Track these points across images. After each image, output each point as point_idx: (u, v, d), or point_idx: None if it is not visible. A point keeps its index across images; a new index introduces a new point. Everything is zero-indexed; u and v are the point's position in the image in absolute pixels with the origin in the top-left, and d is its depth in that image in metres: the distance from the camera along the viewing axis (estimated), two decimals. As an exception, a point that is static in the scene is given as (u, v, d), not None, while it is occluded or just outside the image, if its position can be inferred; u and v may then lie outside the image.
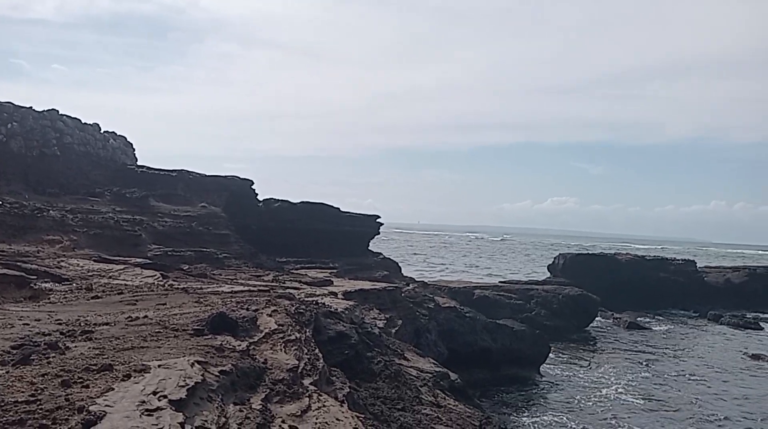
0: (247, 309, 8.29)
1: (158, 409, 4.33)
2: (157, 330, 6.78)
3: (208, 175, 26.73)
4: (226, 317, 7.04)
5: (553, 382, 22.10)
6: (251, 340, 6.68)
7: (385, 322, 15.41)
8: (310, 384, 6.11)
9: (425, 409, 8.59)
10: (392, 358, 10.82)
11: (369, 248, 30.45)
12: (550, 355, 24.37)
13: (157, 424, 4.11)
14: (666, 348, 29.74)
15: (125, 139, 28.45)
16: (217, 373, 5.37)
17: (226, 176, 27.17)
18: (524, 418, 17.94)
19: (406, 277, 28.84)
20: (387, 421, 7.10)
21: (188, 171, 26.32)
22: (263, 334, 7.13)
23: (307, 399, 5.57)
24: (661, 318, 39.30)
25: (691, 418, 18.58)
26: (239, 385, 5.49)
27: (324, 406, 5.51)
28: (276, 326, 7.55)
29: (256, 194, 27.67)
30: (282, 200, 27.70)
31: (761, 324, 38.33)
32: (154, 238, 20.29)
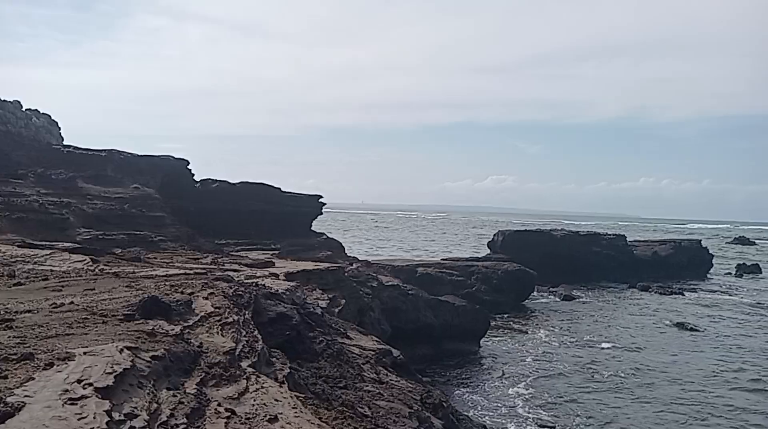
0: (182, 292, 8.03)
1: (83, 397, 4.12)
2: (83, 316, 6.47)
3: (141, 155, 25.64)
4: (159, 301, 6.79)
5: (492, 355, 22.76)
6: (186, 324, 6.48)
7: (328, 301, 15.34)
8: (248, 366, 5.99)
9: (367, 385, 8.62)
10: (335, 338, 10.77)
11: (312, 229, 30.19)
12: (490, 328, 25.05)
13: (80, 413, 3.91)
14: (599, 318, 31.16)
15: (50, 117, 26.86)
16: (149, 359, 5.17)
17: (159, 156, 26.15)
18: (465, 390, 18.42)
19: (350, 256, 28.82)
20: (329, 400, 7.06)
21: (119, 151, 25.15)
22: (199, 317, 6.94)
23: (245, 381, 5.45)
24: (594, 290, 41.08)
25: (621, 383, 19.58)
26: (173, 370, 5.31)
27: (262, 387, 5.42)
28: (212, 309, 7.36)
29: (193, 175, 26.82)
30: (220, 181, 26.97)
31: (685, 293, 40.73)
32: (83, 222, 19.35)
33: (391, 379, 9.67)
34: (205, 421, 4.58)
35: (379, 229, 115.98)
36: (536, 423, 15.72)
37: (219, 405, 4.88)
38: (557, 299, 37.15)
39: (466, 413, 12.32)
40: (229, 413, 4.74)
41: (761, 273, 55.96)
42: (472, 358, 22.34)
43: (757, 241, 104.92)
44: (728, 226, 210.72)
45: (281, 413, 4.84)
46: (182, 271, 10.94)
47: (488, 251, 46.67)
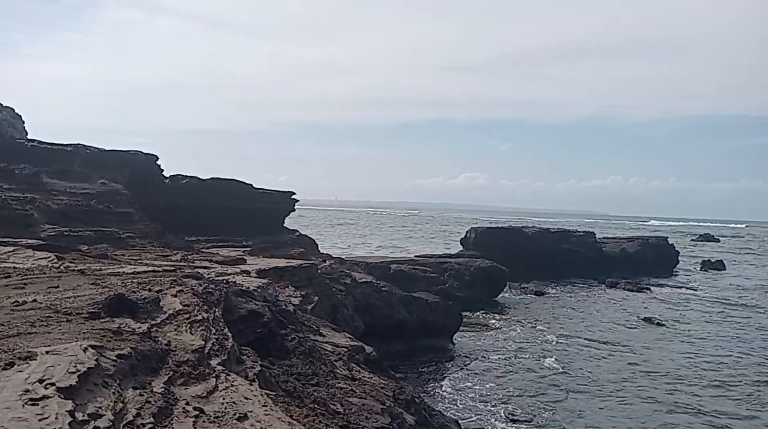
0: (150, 290, 7.87)
1: (44, 397, 4.00)
2: (47, 315, 6.29)
3: (108, 150, 25.05)
4: (125, 299, 6.64)
5: (465, 350, 22.93)
6: (153, 322, 6.35)
7: (301, 299, 15.22)
8: (218, 364, 5.89)
9: (340, 382, 8.58)
10: (307, 335, 10.70)
11: (284, 225, 29.95)
12: (463, 324, 25.22)
13: (42, 414, 3.79)
14: (569, 313, 31.64)
15: (12, 110, 26.07)
16: (114, 358, 5.04)
17: (128, 151, 25.59)
18: (438, 385, 18.51)
19: (323, 253, 28.68)
20: (300, 397, 7.00)
21: (85, 145, 24.52)
22: (167, 315, 6.80)
23: (214, 379, 5.36)
24: (564, 286, 41.71)
25: (590, 375, 19.92)
26: (139, 369, 5.19)
27: (232, 385, 5.33)
28: (181, 307, 7.22)
29: (162, 170, 26.33)
30: (190, 176, 26.53)
31: (652, 289, 41.65)
32: (48, 218, 18.83)
33: (363, 376, 9.64)
34: (172, 420, 4.49)
35: (352, 225, 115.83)
36: (507, 418, 15.89)
37: (187, 404, 4.78)
38: (528, 295, 37.62)
39: (438, 408, 12.38)
40: (198, 412, 4.65)
41: (725, 269, 57.56)
42: (445, 353, 22.45)
43: (721, 238, 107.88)
44: (694, 223, 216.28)
45: (251, 411, 4.77)
46: (150, 269, 10.73)
47: (461, 248, 46.97)
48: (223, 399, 4.99)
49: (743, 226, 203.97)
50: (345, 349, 10.95)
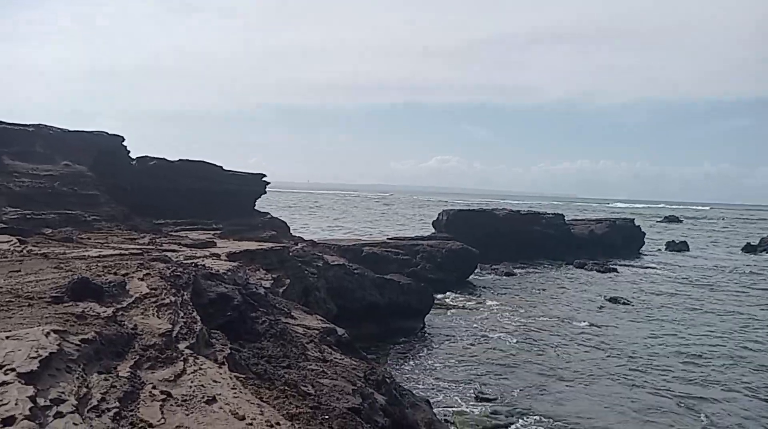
0: (115, 273, 7.73)
1: (4, 383, 3.90)
2: (7, 299, 6.12)
3: (72, 131, 24.32)
4: (90, 283, 6.50)
5: (436, 331, 23.18)
6: (119, 306, 6.23)
7: (272, 282, 15.15)
8: (186, 348, 5.83)
9: (311, 364, 8.58)
10: (278, 318, 10.66)
11: (255, 208, 29.65)
12: (434, 305, 25.48)
13: (2, 400, 3.70)
14: (538, 293, 32.21)
15: (-31, 90, 25.04)
16: (78, 342, 4.94)
17: (92, 132, 24.88)
18: (410, 366, 18.71)
19: (295, 236, 28.53)
20: (271, 379, 6.98)
21: (47, 126, 23.76)
22: (133, 299, 6.69)
23: (182, 363, 5.30)
24: (533, 267, 42.38)
25: (558, 354, 20.37)
26: (104, 354, 5.10)
27: (200, 369, 5.29)
28: (148, 290, 7.12)
29: (129, 152, 25.73)
30: (158, 158, 26.00)
31: (619, 269, 42.63)
32: (9, 201, 18.27)
33: (335, 358, 9.67)
34: (139, 404, 4.43)
35: (324, 208, 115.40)
36: (477, 396, 16.16)
37: (154, 388, 4.72)
38: (499, 276, 38.13)
39: (409, 388, 12.51)
40: (165, 396, 4.60)
41: (689, 250, 59.17)
42: (416, 334, 22.68)
43: (686, 220, 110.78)
44: (661, 205, 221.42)
45: (220, 394, 4.74)
46: (117, 252, 10.52)
47: (433, 230, 47.25)
48: (192, 382, 4.95)
49: (708, 208, 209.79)
50: (316, 332, 10.95)
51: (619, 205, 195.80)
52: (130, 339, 5.57)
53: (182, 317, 6.67)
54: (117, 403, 4.31)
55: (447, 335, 22.68)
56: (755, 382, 18.21)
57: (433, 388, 16.65)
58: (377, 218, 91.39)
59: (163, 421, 4.17)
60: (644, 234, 59.43)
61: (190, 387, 4.83)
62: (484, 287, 33.97)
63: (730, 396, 16.82)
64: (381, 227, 71.30)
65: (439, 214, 48.61)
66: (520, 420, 14.70)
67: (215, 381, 5.01)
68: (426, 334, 22.77)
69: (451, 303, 29.03)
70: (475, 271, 37.07)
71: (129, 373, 4.86)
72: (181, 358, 5.41)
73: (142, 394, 4.60)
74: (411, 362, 19.25)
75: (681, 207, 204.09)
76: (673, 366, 19.54)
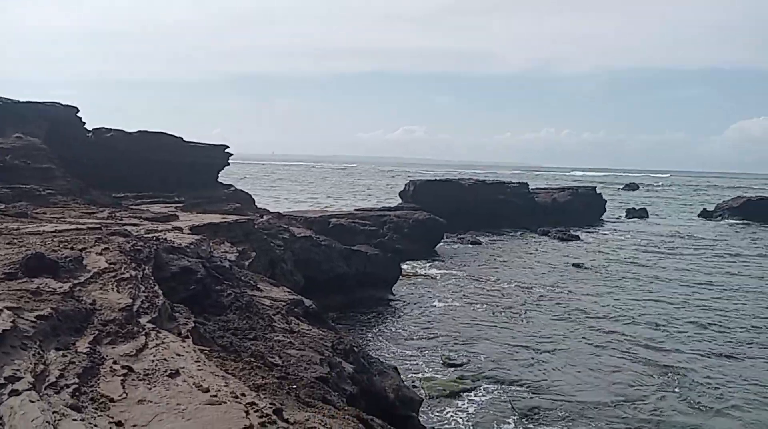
0: (72, 248, 7.49)
1: (-46, 364, 3.76)
2: (-44, 277, 5.87)
3: (23, 102, 23.27)
4: (45, 258, 6.28)
5: (404, 300, 23.42)
6: (76, 282, 6.06)
7: (238, 255, 14.99)
8: (148, 322, 5.72)
9: (278, 335, 8.57)
10: (244, 290, 10.57)
11: (218, 180, 29.13)
12: (402, 275, 25.68)
13: (-49, 381, 3.56)
14: (503, 261, 32.77)
15: None
16: (33, 319, 4.80)
17: (44, 103, 23.86)
18: (378, 334, 18.90)
19: (260, 209, 28.18)
20: (237, 351, 6.94)
21: (-4, 96, 22.69)
22: (91, 274, 6.51)
23: (144, 337, 5.20)
24: (499, 235, 43.01)
25: (524, 320, 20.85)
26: (62, 330, 4.97)
27: (163, 342, 5.20)
28: (107, 265, 6.93)
29: (84, 123, 24.80)
30: (115, 130, 25.15)
31: (581, 236, 43.63)
32: (-43, 176, 17.47)
33: (302, 328, 9.67)
34: (99, 379, 4.34)
35: (290, 180, 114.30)
36: (444, 362, 16.45)
37: (115, 363, 4.63)
38: (465, 245, 38.59)
39: (377, 356, 12.65)
40: (126, 370, 4.51)
41: (648, 216, 60.89)
42: (384, 304, 22.86)
43: (645, 187, 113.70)
44: (620, 173, 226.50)
45: (183, 367, 4.68)
46: (74, 227, 10.20)
47: (400, 201, 47.36)
48: (154, 356, 4.86)
49: (667, 175, 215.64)
50: (283, 303, 10.92)
51: (577, 173, 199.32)
52: (88, 314, 5.43)
53: (143, 291, 6.54)
54: (76, 379, 4.21)
55: (414, 304, 22.94)
56: (713, 342, 19.03)
57: (401, 356, 16.87)
58: (344, 189, 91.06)
59: (124, 395, 4.09)
60: (605, 202, 60.80)
61: (153, 361, 4.75)
62: (451, 256, 34.36)
63: (692, 357, 17.50)
64: (348, 198, 71.15)
65: (405, 185, 48.71)
66: (487, 384, 15.05)
67: (178, 354, 4.94)
68: (394, 304, 22.99)
69: (419, 272, 29.31)
70: (442, 241, 37.44)
71: (88, 349, 4.74)
72: (143, 333, 5.31)
73: (102, 369, 4.50)
74: (379, 331, 19.44)
75: (641, 175, 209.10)
76: (637, 330, 20.21)
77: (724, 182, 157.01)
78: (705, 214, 63.05)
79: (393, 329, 19.73)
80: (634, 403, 14.11)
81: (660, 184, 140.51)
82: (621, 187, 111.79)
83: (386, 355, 16.61)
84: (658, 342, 18.78)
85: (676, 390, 14.92)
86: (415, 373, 15.55)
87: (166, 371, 4.56)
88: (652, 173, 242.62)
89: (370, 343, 17.92)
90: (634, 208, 63.46)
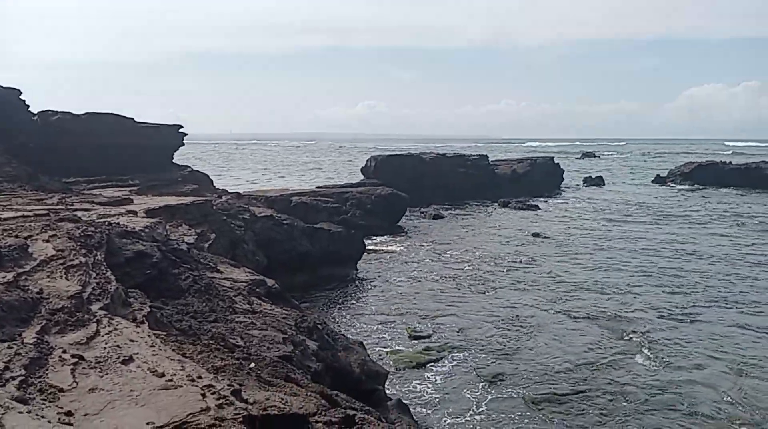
0: (17, 236, 7.17)
1: None
2: None
3: (-41, 86, 22.05)
4: (-15, 247, 5.99)
5: (368, 276, 23.48)
6: (21, 270, 5.80)
7: (196, 237, 14.72)
8: (100, 309, 5.53)
9: (239, 316, 8.45)
10: (203, 273, 10.38)
11: (174, 162, 28.38)
12: (366, 251, 25.70)
13: None
14: (465, 233, 33.15)
15: None
16: (-27, 311, 4.56)
17: (-17, 86, 22.65)
18: (343, 311, 18.93)
19: (219, 189, 27.62)
20: (197, 334, 6.81)
21: (-71, 81, 21.38)
22: (38, 262, 6.24)
23: (95, 325, 5.03)
24: (460, 208, 43.42)
25: (486, 290, 21.20)
26: (6, 321, 4.76)
27: (116, 329, 5.04)
28: (54, 252, 6.66)
29: (28, 106, 23.69)
30: (62, 112, 24.12)
31: (540, 206, 44.43)
32: None
33: (264, 308, 9.57)
34: (47, 370, 4.17)
35: (249, 159, 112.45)
36: (410, 335, 16.62)
37: (64, 352, 4.46)
38: (428, 219, 38.83)
39: (343, 332, 12.67)
40: (77, 359, 4.36)
41: (604, 185, 62.38)
42: (349, 281, 22.89)
43: (601, 156, 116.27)
44: (579, 142, 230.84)
45: (137, 353, 4.54)
46: (20, 214, 9.77)
47: (362, 177, 47.19)
48: (106, 344, 4.71)
49: (623, 143, 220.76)
50: (245, 284, 10.77)
51: (533, 144, 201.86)
52: (35, 304, 5.22)
53: (94, 278, 6.32)
54: (23, 371, 4.04)
55: (380, 280, 23.03)
56: (672, 304, 19.74)
57: (367, 331, 16.97)
58: (305, 167, 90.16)
59: (74, 384, 3.95)
60: (563, 171, 61.95)
61: (105, 348, 4.60)
62: (415, 231, 34.56)
63: (652, 319, 18.08)
64: (309, 177, 70.53)
65: (367, 161, 48.54)
66: (453, 354, 15.30)
67: (132, 340, 4.79)
68: (359, 280, 23.03)
69: (383, 248, 29.38)
70: (405, 216, 37.58)
71: (35, 339, 4.56)
72: (94, 320, 5.13)
73: (51, 359, 4.34)
74: (345, 308, 19.47)
75: (598, 144, 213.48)
76: (597, 295, 20.77)
77: (677, 148, 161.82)
78: (658, 181, 64.97)
79: (358, 305, 19.80)
80: (596, 365, 14.56)
81: (616, 152, 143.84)
82: (578, 156, 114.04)
83: (352, 330, 16.68)
84: (619, 306, 19.37)
85: (638, 351, 15.46)
86: (381, 347, 15.68)
87: (119, 358, 4.43)
88: (608, 142, 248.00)
89: (336, 319, 17.95)
90: (590, 177, 64.89)
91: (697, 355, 15.21)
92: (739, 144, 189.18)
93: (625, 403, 12.55)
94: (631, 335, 16.61)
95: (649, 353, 15.27)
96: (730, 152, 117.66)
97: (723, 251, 28.09)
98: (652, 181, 65.42)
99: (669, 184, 62.82)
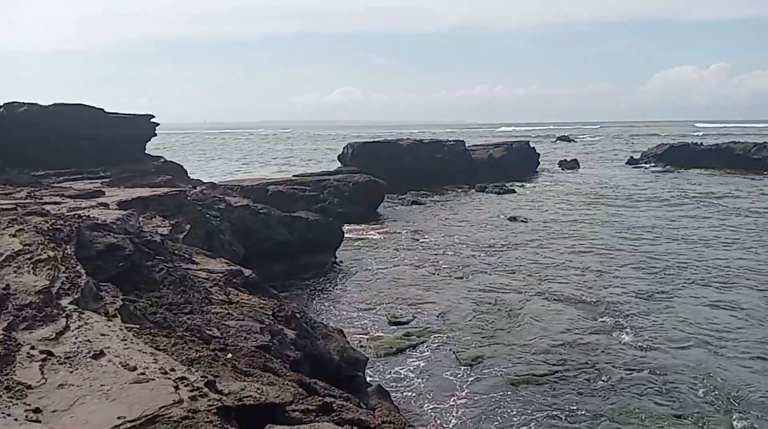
0: (-19, 231, 6.97)
1: None
2: None
3: None
4: (-53, 243, 5.80)
5: (348, 264, 23.46)
6: (-15, 266, 5.64)
7: (171, 228, 14.51)
8: (70, 303, 5.42)
9: (215, 307, 8.37)
10: (178, 264, 10.24)
11: (147, 152, 27.90)
12: (345, 239, 25.65)
13: None
14: (443, 219, 33.28)
15: None
16: (-65, 310, 4.43)
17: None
18: (323, 299, 18.91)
19: (193, 180, 27.28)
20: (171, 327, 6.72)
21: None
22: (3, 257, 6.08)
23: (65, 320, 4.92)
24: (438, 194, 43.54)
25: (464, 275, 21.34)
26: (-29, 319, 4.62)
27: (86, 324, 4.94)
28: (21, 247, 6.50)
29: (-8, 98, 23.03)
30: (29, 104, 23.49)
31: (517, 190, 44.78)
32: None
33: (241, 299, 9.49)
34: (15, 366, 4.07)
35: (224, 148, 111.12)
36: (390, 321, 16.69)
37: (32, 348, 4.36)
38: (406, 206, 38.88)
39: (322, 320, 12.64)
40: (45, 355, 4.26)
41: (579, 167, 63.08)
42: (328, 269, 22.82)
43: (576, 139, 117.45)
44: (554, 126, 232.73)
45: (108, 347, 4.46)
46: (-15, 209, 9.50)
47: (339, 165, 46.99)
48: (76, 338, 4.61)
49: (597, 126, 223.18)
50: (221, 274, 10.67)
51: (506, 128, 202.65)
52: (1, 300, 5.08)
53: (63, 272, 6.18)
54: (-11, 370, 3.94)
55: (359, 267, 23.02)
56: (647, 284, 20.11)
57: (347, 318, 16.98)
58: (280, 155, 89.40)
59: (43, 381, 3.86)
60: (539, 155, 62.45)
61: (75, 343, 4.51)
62: (393, 218, 34.58)
63: (628, 300, 18.40)
64: (285, 165, 69.99)
65: (344, 148, 48.32)
66: (432, 339, 15.40)
67: (103, 334, 4.70)
68: (338, 268, 22.99)
69: (362, 235, 29.36)
70: (383, 203, 37.56)
71: (2, 336, 4.44)
72: (63, 315, 5.02)
73: (18, 356, 4.23)
74: (324, 296, 19.45)
75: (571, 127, 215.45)
76: (574, 277, 21.05)
77: (649, 130, 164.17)
78: (632, 162, 65.90)
79: (338, 293, 19.78)
80: (574, 345, 14.78)
81: (590, 135, 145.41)
82: (553, 139, 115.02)
83: (332, 318, 16.68)
84: (596, 287, 19.65)
85: (615, 331, 15.72)
86: (362, 334, 15.71)
87: (89, 352, 4.34)
88: (583, 125, 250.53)
89: (316, 308, 17.92)
90: (566, 160, 65.52)
91: (672, 333, 15.53)
92: (710, 125, 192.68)
93: (601, 382, 12.79)
94: (608, 316, 16.89)
95: (625, 333, 15.56)
96: (701, 133, 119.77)
97: (696, 231, 28.68)
98: (626, 163, 66.32)
99: (642, 165, 63.74)
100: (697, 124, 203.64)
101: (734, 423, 11.06)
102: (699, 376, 12.97)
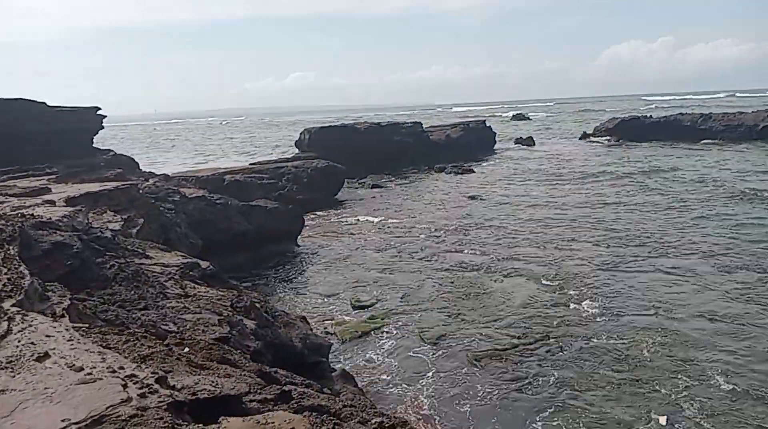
0: None
1: None
2: None
3: None
4: None
5: (310, 251, 23.31)
6: None
7: (122, 223, 14.09)
8: (12, 306, 5.19)
9: (171, 302, 8.18)
10: (130, 259, 9.96)
11: (94, 146, 26.96)
12: (306, 226, 25.45)
13: None
14: (404, 201, 33.38)
15: None
16: None
17: None
18: (286, 288, 18.77)
19: (145, 172, 26.53)
20: (124, 324, 6.53)
21: None
22: (-62, 261, 5.76)
23: (6, 323, 4.71)
24: (398, 176, 43.61)
25: (426, 256, 21.49)
26: None
27: (30, 325, 4.74)
28: (-43, 249, 6.17)
29: (-77, 96, 21.77)
30: (-37, 100, 22.34)
31: (475, 169, 45.20)
32: None
33: (198, 292, 9.30)
34: (-48, 377, 3.87)
35: (177, 138, 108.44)
36: (354, 306, 16.70)
37: (-29, 355, 4.15)
38: (367, 189, 38.81)
39: (284, 309, 12.54)
40: (-15, 362, 4.06)
41: (534, 144, 64.07)
42: (290, 257, 22.64)
43: (531, 117, 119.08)
44: (508, 104, 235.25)
45: (54, 349, 4.29)
46: None
47: (296, 151, 46.47)
48: (19, 342, 4.42)
49: (551, 104, 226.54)
50: (176, 268, 10.43)
51: (460, 109, 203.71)
52: (-64, 307, 4.82)
53: (5, 274, 5.91)
54: None
55: (321, 253, 22.91)
56: (604, 257, 20.64)
57: (310, 305, 16.91)
58: (236, 144, 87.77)
59: (-17, 389, 3.68)
60: (495, 133, 63.12)
61: (17, 347, 4.32)
62: (354, 202, 34.48)
63: (586, 271, 18.92)
64: (241, 153, 68.81)
65: (300, 134, 47.82)
66: (396, 321, 15.48)
67: (48, 336, 4.52)
68: (300, 256, 22.83)
69: (323, 222, 29.20)
70: (343, 187, 37.39)
71: (-63, 345, 4.21)
72: (5, 318, 4.80)
73: (-45, 364, 4.02)
74: (287, 284, 19.30)
75: (526, 105, 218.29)
76: (533, 251, 21.45)
77: (601, 106, 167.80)
78: (585, 137, 67.30)
79: (301, 280, 19.66)
80: (534, 318, 15.12)
81: (544, 112, 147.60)
82: (509, 118, 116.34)
83: (296, 306, 16.59)
84: (556, 261, 20.09)
85: (574, 302, 16.13)
86: (327, 320, 15.68)
87: (33, 355, 4.17)
88: (537, 103, 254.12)
89: (280, 296, 17.78)
90: (521, 138, 66.45)
91: (630, 302, 16.02)
92: (660, 98, 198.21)
93: (561, 353, 13.12)
94: (568, 288, 17.30)
95: (584, 304, 15.98)
96: (653, 106, 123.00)
97: (649, 202, 29.56)
98: (580, 138, 67.69)
99: (595, 139, 65.17)
100: (647, 98, 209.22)
101: (682, 383, 11.53)
102: (654, 342, 13.44)
